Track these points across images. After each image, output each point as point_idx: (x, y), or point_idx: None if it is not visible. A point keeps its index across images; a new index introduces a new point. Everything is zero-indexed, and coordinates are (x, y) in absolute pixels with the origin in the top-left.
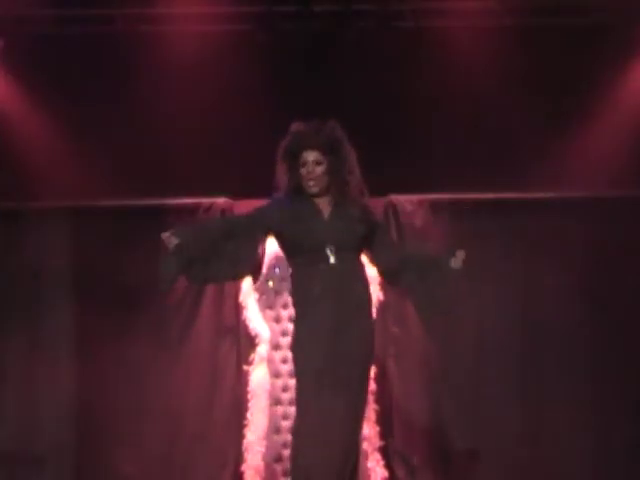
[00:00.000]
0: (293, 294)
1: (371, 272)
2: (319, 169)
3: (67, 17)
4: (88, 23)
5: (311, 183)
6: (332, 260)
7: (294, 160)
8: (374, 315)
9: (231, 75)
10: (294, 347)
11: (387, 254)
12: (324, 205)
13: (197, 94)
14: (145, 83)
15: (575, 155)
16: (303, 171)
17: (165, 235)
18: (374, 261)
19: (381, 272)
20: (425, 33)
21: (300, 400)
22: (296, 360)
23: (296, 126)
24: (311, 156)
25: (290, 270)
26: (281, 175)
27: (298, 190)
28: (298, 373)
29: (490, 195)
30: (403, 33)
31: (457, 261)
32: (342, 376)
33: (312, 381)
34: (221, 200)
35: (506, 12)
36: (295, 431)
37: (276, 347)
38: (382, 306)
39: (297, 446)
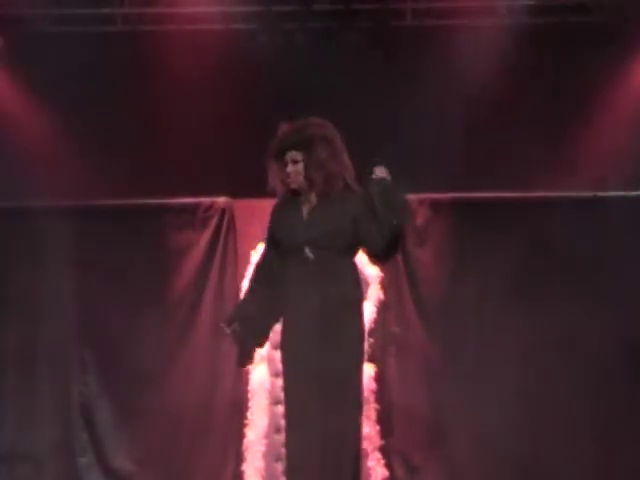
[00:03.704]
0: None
1: (371, 272)
2: (295, 167)
3: (67, 16)
4: (88, 22)
5: (289, 181)
6: (311, 261)
7: (280, 161)
8: (374, 314)
9: (231, 74)
10: (281, 350)
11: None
12: (307, 204)
13: (197, 93)
14: (145, 83)
15: (578, 155)
16: (287, 170)
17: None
18: (363, 247)
19: (367, 254)
20: (425, 33)
21: (288, 403)
22: (282, 364)
23: (282, 127)
24: (289, 155)
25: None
26: (272, 176)
27: (288, 190)
28: (284, 377)
29: (490, 194)
30: (403, 33)
31: (378, 174)
32: (330, 378)
33: (298, 384)
34: (221, 200)
35: (506, 11)
36: (287, 438)
37: (276, 346)
38: (382, 306)
39: (290, 457)
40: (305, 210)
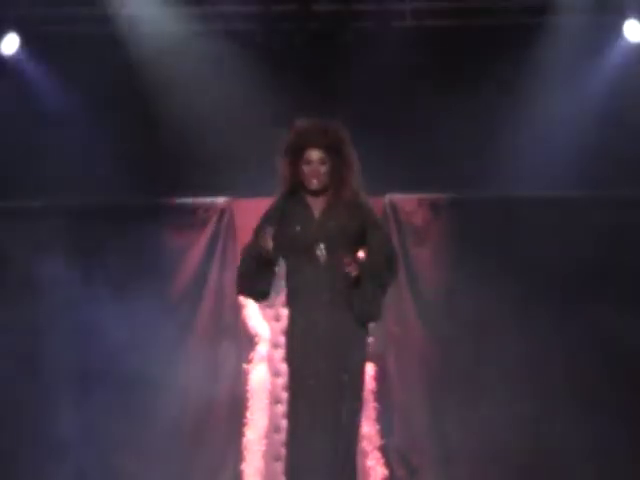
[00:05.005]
0: (286, 294)
1: None
2: (323, 168)
3: (67, 16)
4: (88, 22)
5: (314, 181)
6: (323, 260)
7: (297, 156)
8: None
9: (231, 75)
10: (287, 348)
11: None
12: (317, 204)
13: (197, 93)
14: (145, 82)
15: (579, 154)
16: (307, 168)
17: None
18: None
19: None
20: (425, 33)
21: (292, 402)
22: (287, 363)
23: (301, 123)
24: (316, 154)
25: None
26: (283, 169)
27: (296, 186)
28: (290, 376)
29: (491, 194)
30: (403, 33)
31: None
32: (335, 379)
33: (303, 383)
34: (221, 200)
35: (504, 11)
36: (288, 438)
37: (276, 346)
38: None
39: (292, 456)
40: (317, 210)
